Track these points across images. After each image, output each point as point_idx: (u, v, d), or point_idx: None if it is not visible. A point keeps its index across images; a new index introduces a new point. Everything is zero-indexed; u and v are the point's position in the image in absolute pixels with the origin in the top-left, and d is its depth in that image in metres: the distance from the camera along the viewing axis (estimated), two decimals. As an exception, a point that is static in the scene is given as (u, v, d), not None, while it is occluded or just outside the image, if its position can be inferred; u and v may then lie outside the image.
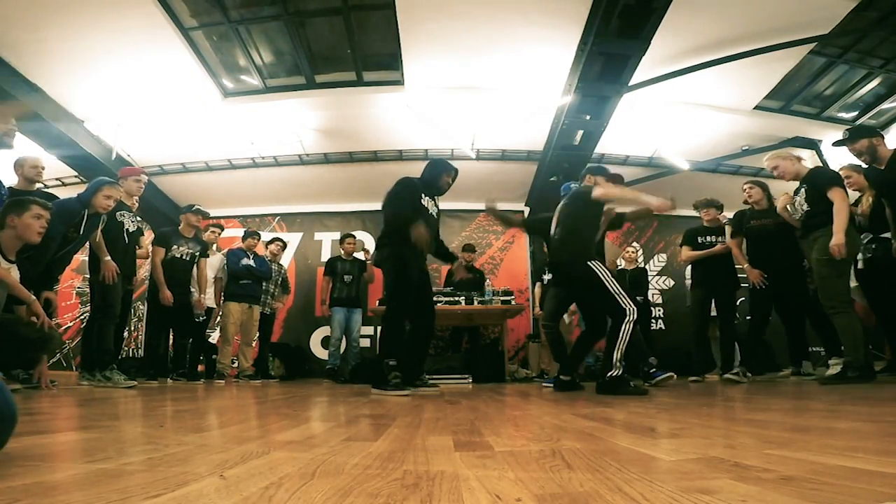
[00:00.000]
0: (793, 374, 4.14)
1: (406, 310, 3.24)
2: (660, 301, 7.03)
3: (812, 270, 3.48)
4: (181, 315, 4.79)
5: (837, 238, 3.06)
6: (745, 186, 4.20)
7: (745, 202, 4.18)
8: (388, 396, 2.80)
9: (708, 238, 4.44)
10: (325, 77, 5.37)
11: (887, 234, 3.40)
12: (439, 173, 3.43)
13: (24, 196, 2.94)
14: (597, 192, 3.12)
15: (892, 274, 3.45)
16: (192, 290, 4.95)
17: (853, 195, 3.83)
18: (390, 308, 3.25)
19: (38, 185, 3.59)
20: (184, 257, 4.81)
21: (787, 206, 3.69)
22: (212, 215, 6.87)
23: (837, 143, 3.36)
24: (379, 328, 4.87)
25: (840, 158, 5.60)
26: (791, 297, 3.98)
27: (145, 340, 4.99)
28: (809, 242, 3.36)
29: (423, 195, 3.30)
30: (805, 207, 3.36)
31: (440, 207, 3.54)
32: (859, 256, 3.57)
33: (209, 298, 5.17)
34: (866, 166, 3.36)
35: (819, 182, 3.31)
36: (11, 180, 3.48)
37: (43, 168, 3.57)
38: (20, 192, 3.35)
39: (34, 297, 2.80)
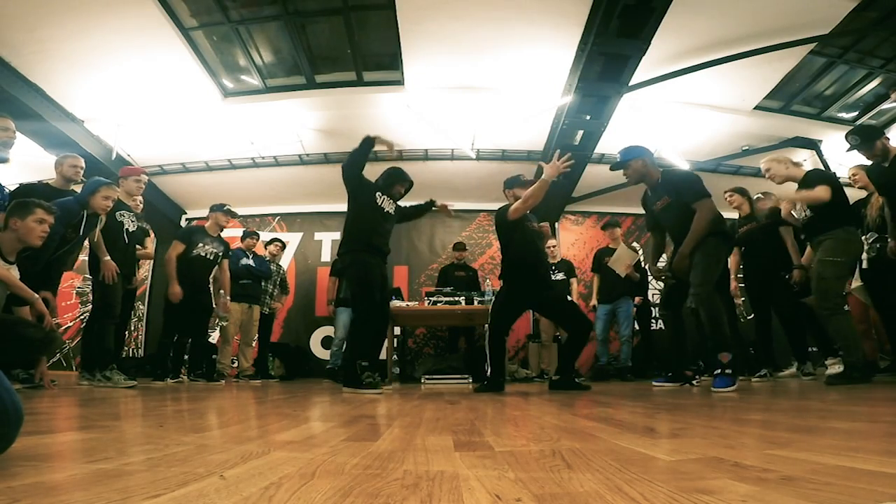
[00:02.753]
0: (801, 373, 4.14)
1: (374, 312, 3.36)
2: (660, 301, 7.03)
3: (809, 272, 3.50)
4: (196, 315, 4.69)
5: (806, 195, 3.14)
6: (726, 195, 4.31)
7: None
8: (362, 395, 2.87)
9: None
10: (325, 77, 5.36)
11: None
12: (392, 183, 3.56)
13: (28, 199, 2.93)
14: (510, 213, 3.33)
15: (895, 273, 3.45)
16: (220, 291, 4.92)
17: (860, 193, 3.84)
18: (360, 312, 3.35)
19: (73, 185, 3.64)
20: (207, 256, 4.70)
21: (792, 212, 3.70)
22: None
23: (852, 150, 3.34)
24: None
25: (840, 158, 5.61)
26: (784, 298, 4.02)
27: (158, 339, 4.86)
28: (815, 245, 3.35)
29: (379, 193, 3.45)
30: (808, 211, 3.35)
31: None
32: (863, 256, 3.58)
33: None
34: (869, 164, 3.36)
35: (806, 184, 3.30)
36: (31, 178, 3.67)
37: (82, 168, 3.68)
38: (57, 190, 3.51)
39: (37, 296, 2.80)
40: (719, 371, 2.78)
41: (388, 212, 3.48)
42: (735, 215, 4.42)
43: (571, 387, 3.29)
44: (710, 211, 2.98)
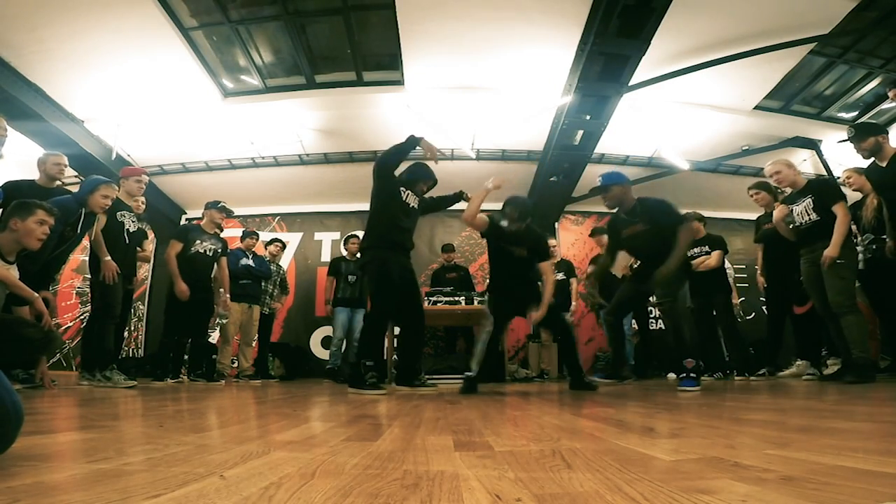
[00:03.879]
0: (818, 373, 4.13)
1: (388, 313, 3.29)
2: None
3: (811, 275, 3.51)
4: (198, 313, 4.64)
5: (832, 250, 3.23)
6: (751, 192, 4.27)
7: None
8: (365, 395, 2.85)
9: (696, 249, 4.49)
10: (325, 77, 5.37)
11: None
12: (416, 180, 3.49)
13: (30, 199, 2.92)
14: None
15: (892, 274, 3.46)
16: (220, 290, 4.88)
17: (855, 195, 3.85)
18: (372, 311, 3.31)
19: (58, 182, 3.63)
20: (207, 253, 4.66)
21: (784, 217, 3.71)
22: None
23: (844, 141, 3.39)
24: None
25: (840, 158, 5.61)
26: (799, 299, 4.02)
27: (159, 339, 4.79)
28: (811, 250, 3.43)
29: (403, 188, 3.38)
30: (814, 216, 3.43)
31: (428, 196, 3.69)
32: (860, 257, 3.60)
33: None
34: (867, 164, 3.37)
35: (828, 195, 3.41)
36: (32, 176, 3.59)
37: (66, 165, 3.68)
38: (41, 188, 3.46)
39: (37, 295, 2.79)
40: (685, 374, 3.05)
41: (412, 207, 3.42)
42: (751, 213, 4.43)
43: (579, 387, 3.28)
44: (691, 233, 3.36)
